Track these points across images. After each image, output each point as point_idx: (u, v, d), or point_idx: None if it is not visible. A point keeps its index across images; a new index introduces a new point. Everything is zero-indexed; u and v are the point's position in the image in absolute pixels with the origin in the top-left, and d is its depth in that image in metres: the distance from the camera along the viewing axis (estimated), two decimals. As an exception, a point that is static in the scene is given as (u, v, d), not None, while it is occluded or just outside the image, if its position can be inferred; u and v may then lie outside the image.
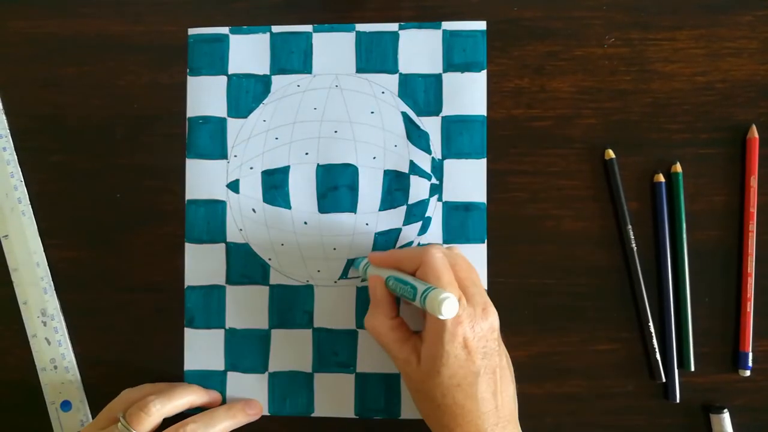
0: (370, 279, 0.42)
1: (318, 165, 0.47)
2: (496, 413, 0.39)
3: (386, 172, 0.47)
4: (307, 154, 0.47)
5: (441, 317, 0.36)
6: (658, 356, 0.45)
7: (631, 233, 0.45)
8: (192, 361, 0.47)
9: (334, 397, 0.46)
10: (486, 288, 0.46)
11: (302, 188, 0.47)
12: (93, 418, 0.47)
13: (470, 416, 0.38)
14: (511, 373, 0.41)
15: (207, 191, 0.47)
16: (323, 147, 0.47)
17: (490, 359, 0.38)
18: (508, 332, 0.45)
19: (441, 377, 0.38)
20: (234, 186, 0.47)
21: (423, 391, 0.39)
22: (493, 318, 0.39)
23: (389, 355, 0.41)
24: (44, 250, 0.48)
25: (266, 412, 0.46)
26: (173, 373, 0.47)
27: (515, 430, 0.40)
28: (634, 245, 0.45)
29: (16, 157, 0.48)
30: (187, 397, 0.44)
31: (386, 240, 0.46)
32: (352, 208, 0.46)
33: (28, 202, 0.48)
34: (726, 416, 0.44)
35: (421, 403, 0.40)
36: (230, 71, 0.47)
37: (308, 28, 0.47)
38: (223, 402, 0.46)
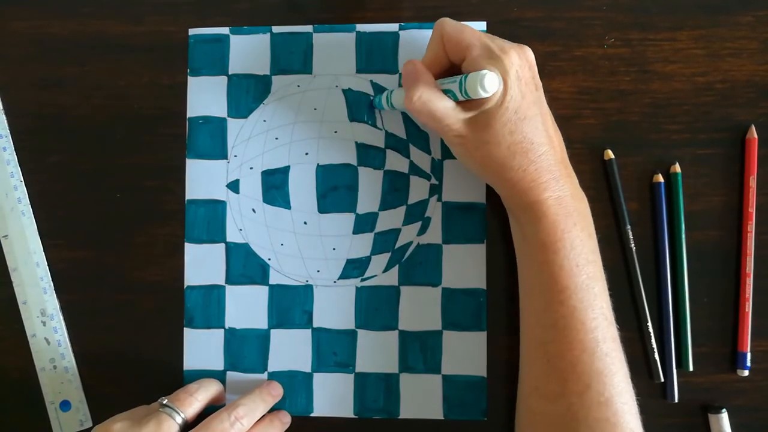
0: (405, 64, 0.40)
1: (318, 165, 0.47)
2: (557, 150, 0.40)
3: (386, 173, 0.47)
4: (307, 154, 0.47)
5: (484, 95, 0.36)
6: (656, 356, 0.45)
7: (630, 233, 0.45)
8: (191, 361, 0.47)
9: (333, 396, 0.46)
10: (485, 288, 0.46)
11: (302, 188, 0.47)
12: (92, 419, 0.47)
13: (540, 150, 0.39)
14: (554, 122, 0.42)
15: (207, 191, 0.47)
16: (323, 147, 0.47)
17: (541, 93, 0.39)
18: (507, 332, 0.45)
19: (508, 112, 0.38)
20: (234, 186, 0.47)
21: (490, 141, 0.38)
22: (530, 54, 0.39)
23: (441, 129, 0.40)
24: (44, 250, 0.47)
25: (266, 412, 0.47)
26: (173, 373, 0.47)
27: (572, 172, 0.41)
28: (633, 245, 0.45)
29: (15, 157, 0.48)
30: (215, 390, 0.44)
31: (385, 240, 0.46)
32: (352, 208, 0.47)
33: (28, 202, 0.48)
34: (724, 416, 0.44)
35: (488, 159, 0.39)
36: (230, 71, 0.47)
37: (308, 28, 0.47)
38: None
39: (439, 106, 0.38)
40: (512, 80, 0.37)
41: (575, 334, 0.38)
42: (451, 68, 0.41)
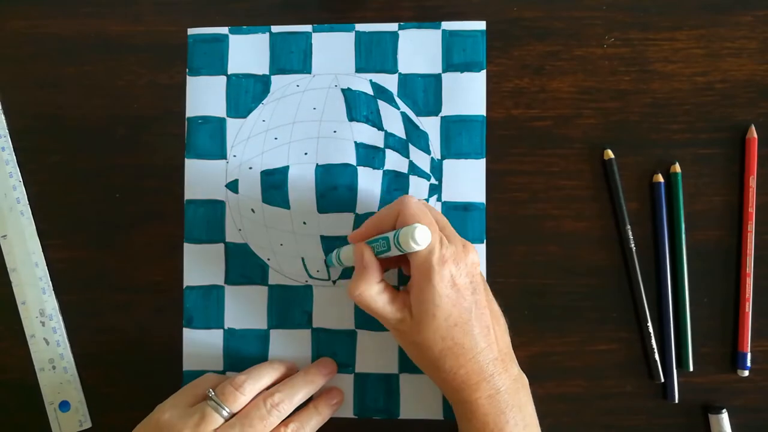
0: (355, 248, 0.41)
1: (317, 165, 0.47)
2: (493, 347, 0.39)
3: (385, 173, 0.47)
4: (306, 154, 0.47)
5: (416, 247, 0.36)
6: (657, 356, 0.45)
7: (630, 233, 0.45)
8: (190, 362, 0.47)
9: (333, 397, 0.46)
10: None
11: (301, 188, 0.47)
12: (91, 419, 0.47)
13: (471, 353, 0.38)
14: (498, 308, 0.42)
15: (206, 191, 0.47)
16: (322, 147, 0.47)
17: (479, 294, 0.39)
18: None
19: (437, 320, 0.38)
20: (233, 186, 0.47)
21: (422, 344, 0.39)
22: (473, 253, 0.39)
23: (381, 320, 0.41)
24: (43, 250, 0.47)
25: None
26: (172, 374, 0.47)
27: (512, 363, 0.41)
28: (633, 245, 0.45)
29: (14, 157, 0.48)
30: (271, 375, 0.43)
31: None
32: (351, 208, 0.46)
33: (27, 202, 0.48)
34: (725, 416, 0.44)
35: (421, 357, 0.40)
36: (230, 71, 0.47)
37: (308, 28, 0.47)
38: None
39: (379, 304, 0.40)
40: (443, 291, 0.38)
41: None
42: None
